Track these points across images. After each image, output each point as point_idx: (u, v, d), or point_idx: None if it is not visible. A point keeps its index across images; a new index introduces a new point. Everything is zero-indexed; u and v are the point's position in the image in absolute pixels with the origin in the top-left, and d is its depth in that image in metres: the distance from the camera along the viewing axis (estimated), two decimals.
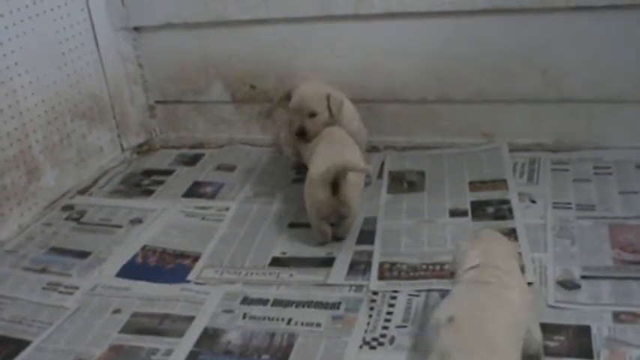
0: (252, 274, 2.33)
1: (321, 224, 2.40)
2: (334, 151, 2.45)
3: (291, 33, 2.98)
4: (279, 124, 3.00)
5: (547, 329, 1.93)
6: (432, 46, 2.87)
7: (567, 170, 2.69)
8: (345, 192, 2.34)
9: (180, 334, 2.08)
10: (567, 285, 2.12)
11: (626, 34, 2.67)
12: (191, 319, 2.13)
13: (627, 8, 2.62)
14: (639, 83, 2.72)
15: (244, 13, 2.96)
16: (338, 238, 2.43)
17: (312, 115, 2.58)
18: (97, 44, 3.05)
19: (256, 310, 2.15)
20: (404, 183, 2.69)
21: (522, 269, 1.95)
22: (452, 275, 1.90)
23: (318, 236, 2.42)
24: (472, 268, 1.79)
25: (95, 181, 3.03)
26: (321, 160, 2.40)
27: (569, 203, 2.48)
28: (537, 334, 1.79)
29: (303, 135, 2.58)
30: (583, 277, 2.14)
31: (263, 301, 2.19)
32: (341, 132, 2.59)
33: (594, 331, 1.92)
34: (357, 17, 2.87)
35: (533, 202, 2.53)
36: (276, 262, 2.38)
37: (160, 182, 2.98)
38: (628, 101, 2.71)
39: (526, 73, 2.81)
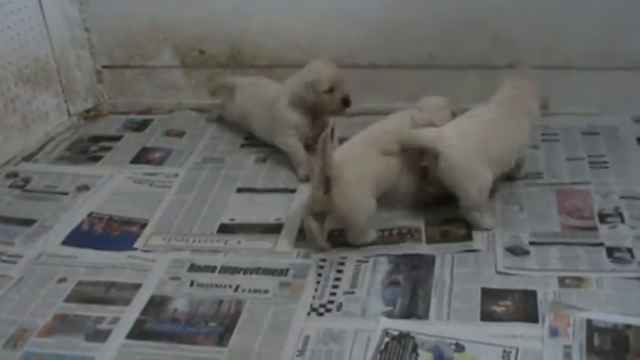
0: (199, 241, 2.32)
1: (308, 219, 2.21)
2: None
3: None
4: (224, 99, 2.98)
5: (494, 295, 1.97)
6: (382, 10, 2.86)
7: None
8: (336, 191, 2.14)
9: (126, 302, 2.06)
10: (516, 251, 2.14)
11: (575, 1, 2.68)
12: (138, 286, 2.12)
13: None
14: (588, 50, 2.74)
15: None
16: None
17: (331, 90, 2.55)
18: (41, 7, 2.98)
19: (204, 278, 2.14)
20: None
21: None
22: None
23: (305, 232, 2.26)
24: None
25: (41, 148, 2.97)
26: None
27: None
28: None
29: (348, 103, 2.55)
30: (532, 244, 2.17)
31: (211, 268, 2.18)
32: None
33: (540, 295, 1.96)
34: None
35: None
36: (225, 228, 2.37)
37: (108, 148, 2.93)
38: (577, 67, 2.73)
39: (476, 39, 2.82)
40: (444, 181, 2.23)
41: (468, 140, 2.21)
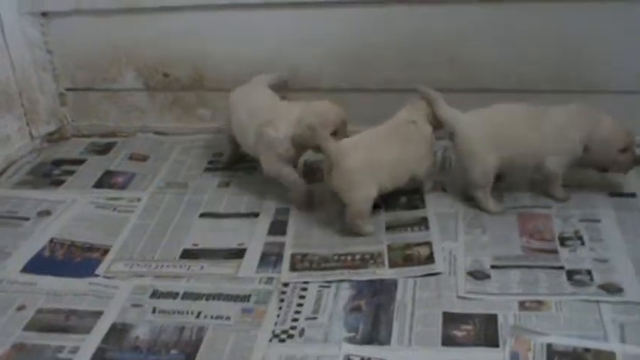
0: (162, 266, 2.30)
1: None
2: None
3: (201, 21, 2.93)
4: None
5: (455, 319, 1.98)
6: (342, 34, 2.87)
7: None
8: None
9: (87, 330, 2.03)
10: (477, 275, 2.15)
11: (530, 25, 2.72)
12: (99, 314, 2.09)
13: (530, 0, 2.68)
14: (543, 73, 2.77)
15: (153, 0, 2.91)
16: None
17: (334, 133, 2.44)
18: (1, 29, 2.95)
19: (166, 304, 2.13)
20: (317, 173, 2.68)
21: None
22: None
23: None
24: None
25: (2, 172, 2.93)
26: None
27: None
28: None
29: None
30: (493, 267, 2.18)
31: (173, 295, 2.17)
32: None
33: (500, 319, 1.97)
34: (266, 5, 2.85)
35: (445, 190, 2.56)
36: (187, 254, 2.36)
37: (71, 172, 2.91)
38: (532, 91, 2.75)
39: (434, 62, 2.84)
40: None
41: (359, 151, 2.33)
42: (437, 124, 2.48)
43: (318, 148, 2.41)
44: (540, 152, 2.41)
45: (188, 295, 2.16)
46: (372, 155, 2.33)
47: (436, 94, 2.47)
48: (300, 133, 2.45)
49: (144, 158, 2.98)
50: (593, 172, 2.50)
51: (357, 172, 2.31)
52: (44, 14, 3.08)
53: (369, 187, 2.33)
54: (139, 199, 2.67)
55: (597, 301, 2.01)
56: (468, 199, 2.49)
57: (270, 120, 2.50)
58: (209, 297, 2.14)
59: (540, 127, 2.40)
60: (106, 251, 2.39)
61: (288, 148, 2.48)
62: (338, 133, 2.44)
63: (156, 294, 2.17)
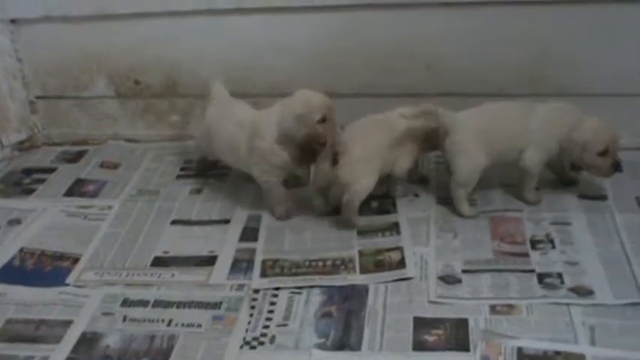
0: (133, 274, 2.29)
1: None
2: None
3: (174, 27, 2.92)
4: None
5: (426, 324, 1.98)
6: (317, 40, 2.87)
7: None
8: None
9: (57, 340, 2.02)
10: (448, 280, 2.15)
11: (505, 30, 2.73)
12: (69, 323, 2.08)
13: (505, 4, 2.69)
14: (518, 77, 2.78)
15: (125, 6, 2.89)
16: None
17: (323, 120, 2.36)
18: None
19: (136, 312, 2.11)
20: (290, 178, 2.67)
21: None
22: None
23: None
24: None
25: None
26: None
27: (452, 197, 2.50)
28: None
29: None
30: (464, 271, 2.18)
31: (143, 303, 2.15)
32: None
33: (471, 323, 1.97)
34: (240, 11, 2.85)
35: (416, 196, 2.57)
36: (158, 261, 2.34)
37: (41, 181, 2.88)
38: (507, 95, 2.76)
39: (410, 67, 2.85)
40: None
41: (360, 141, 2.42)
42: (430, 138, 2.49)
43: (309, 144, 2.35)
44: (525, 148, 2.43)
45: (159, 303, 2.14)
46: (371, 144, 2.40)
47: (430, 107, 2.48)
48: (288, 127, 2.35)
49: (115, 166, 2.95)
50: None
51: (361, 161, 2.36)
52: (13, 21, 3.06)
53: (372, 176, 2.39)
54: (110, 207, 2.65)
55: (568, 304, 2.02)
56: (441, 202, 2.51)
57: (255, 131, 2.42)
58: (180, 305, 2.13)
59: (527, 123, 2.42)
60: (76, 260, 2.37)
61: (279, 153, 2.39)
62: (327, 119, 2.34)
63: (126, 302, 2.16)
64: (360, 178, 2.36)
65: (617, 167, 2.43)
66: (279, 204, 2.50)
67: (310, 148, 2.37)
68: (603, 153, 2.38)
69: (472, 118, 2.44)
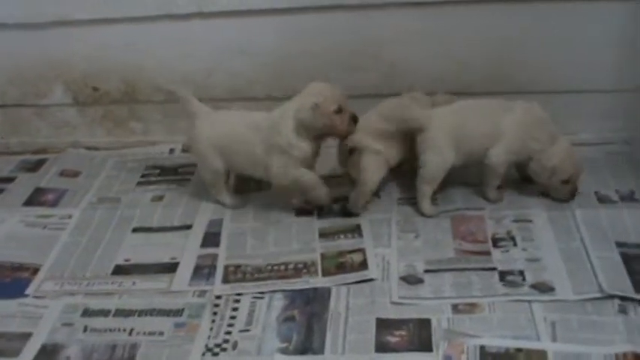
0: (93, 284, 2.26)
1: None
2: None
3: (133, 33, 2.89)
4: None
5: (389, 325, 1.98)
6: (277, 42, 2.86)
7: None
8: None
9: (16, 352, 2.00)
10: (410, 280, 2.16)
11: (466, 29, 2.74)
12: (28, 335, 2.06)
13: (468, 4, 2.70)
14: (479, 75, 2.79)
15: (84, 13, 2.86)
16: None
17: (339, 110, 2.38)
18: None
19: (97, 322, 2.09)
20: (250, 183, 2.66)
21: None
22: None
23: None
24: None
25: None
26: None
27: (414, 198, 2.49)
28: None
29: (357, 121, 2.41)
30: (426, 271, 2.19)
31: (104, 312, 2.13)
32: None
33: (434, 323, 1.98)
34: (200, 15, 2.82)
35: (378, 197, 2.56)
36: (119, 270, 2.32)
37: (0, 190, 2.84)
38: (468, 93, 2.76)
39: (373, 68, 2.84)
40: None
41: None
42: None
43: (325, 135, 2.42)
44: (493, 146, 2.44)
45: (120, 312, 2.13)
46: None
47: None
48: (307, 119, 2.35)
49: (75, 174, 2.92)
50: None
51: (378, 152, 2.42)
52: None
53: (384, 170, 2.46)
54: (70, 216, 2.62)
55: (529, 301, 2.03)
56: (402, 203, 2.51)
57: (272, 128, 2.41)
58: (141, 313, 2.11)
59: (499, 122, 2.42)
60: (36, 270, 2.34)
61: (300, 146, 2.38)
62: (342, 110, 2.36)
63: (87, 312, 2.14)
64: (375, 169, 2.43)
65: (574, 195, 2.46)
66: (318, 187, 2.46)
67: (322, 139, 2.44)
68: (566, 181, 2.41)
69: (446, 115, 2.43)
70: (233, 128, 2.50)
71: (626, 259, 2.16)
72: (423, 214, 2.44)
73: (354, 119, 2.39)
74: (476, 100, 2.50)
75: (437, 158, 2.40)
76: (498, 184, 2.48)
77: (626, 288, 2.04)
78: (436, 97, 2.64)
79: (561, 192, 2.44)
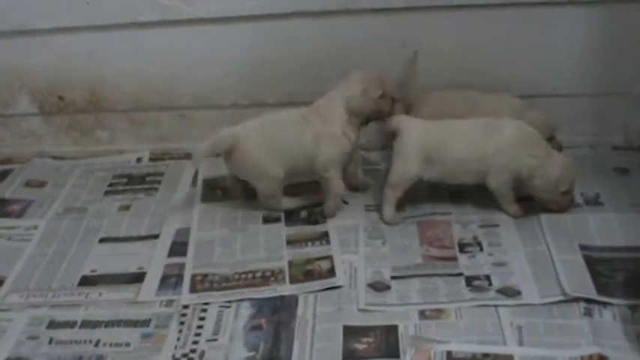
0: (59, 295, 2.24)
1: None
2: None
3: (97, 41, 2.87)
4: None
5: (356, 332, 1.98)
6: (242, 50, 2.85)
7: (378, 170, 2.72)
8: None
9: None
10: (377, 287, 2.16)
11: (431, 34, 2.76)
12: None
13: (436, 9, 2.71)
14: (444, 80, 2.78)
15: (46, 21, 2.83)
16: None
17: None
18: None
19: (63, 334, 2.07)
20: (217, 190, 2.66)
21: None
22: None
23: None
24: None
25: None
26: None
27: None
28: None
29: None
30: (393, 278, 2.19)
31: (70, 324, 2.11)
32: None
33: (401, 329, 1.98)
34: (164, 23, 2.80)
35: (346, 203, 2.56)
36: (86, 281, 2.30)
37: None
38: None
39: (338, 75, 2.82)
40: None
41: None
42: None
43: (371, 120, 2.50)
44: (482, 171, 2.39)
45: (86, 324, 2.11)
46: None
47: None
48: (357, 105, 2.43)
49: (41, 184, 2.88)
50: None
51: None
52: None
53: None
54: (35, 227, 2.59)
55: (496, 306, 2.04)
56: (370, 209, 2.52)
57: (323, 118, 2.46)
58: (108, 324, 2.10)
59: (488, 145, 2.37)
60: (1, 283, 2.31)
61: (350, 135, 2.45)
62: (387, 95, 2.47)
63: (52, 324, 2.12)
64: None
65: (573, 204, 2.44)
66: (339, 195, 2.50)
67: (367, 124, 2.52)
68: (566, 192, 2.39)
69: (424, 127, 2.42)
70: (280, 126, 2.51)
71: (590, 262, 2.18)
72: (382, 220, 2.44)
73: (394, 101, 2.50)
74: (463, 121, 2.44)
75: (403, 166, 2.40)
76: (512, 200, 2.44)
77: (589, 290, 2.06)
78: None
79: (563, 203, 2.40)
